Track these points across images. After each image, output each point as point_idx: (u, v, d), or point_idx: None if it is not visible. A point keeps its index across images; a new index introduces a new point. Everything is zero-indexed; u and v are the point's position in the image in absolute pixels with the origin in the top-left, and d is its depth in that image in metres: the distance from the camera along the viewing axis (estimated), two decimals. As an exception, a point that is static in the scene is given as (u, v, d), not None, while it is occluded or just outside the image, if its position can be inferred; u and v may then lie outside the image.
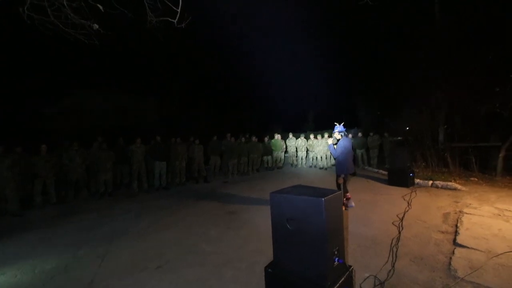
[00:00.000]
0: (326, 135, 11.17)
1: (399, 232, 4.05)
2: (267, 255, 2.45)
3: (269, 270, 2.21)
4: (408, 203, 5.62)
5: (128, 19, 2.18)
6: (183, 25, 1.41)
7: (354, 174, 8.89)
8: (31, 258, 3.83)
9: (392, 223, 4.48)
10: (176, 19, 1.31)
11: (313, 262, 1.95)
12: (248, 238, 4.20)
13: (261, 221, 4.88)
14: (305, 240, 1.97)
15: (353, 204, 5.46)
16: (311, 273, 1.96)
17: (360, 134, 11.50)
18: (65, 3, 1.79)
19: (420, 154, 8.96)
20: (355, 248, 3.59)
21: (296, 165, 12.05)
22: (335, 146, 5.36)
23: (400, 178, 7.28)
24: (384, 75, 11.84)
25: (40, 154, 6.67)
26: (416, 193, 6.41)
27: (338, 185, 5.40)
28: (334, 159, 5.62)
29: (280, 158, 11.55)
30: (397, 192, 6.61)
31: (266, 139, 11.26)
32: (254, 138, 10.67)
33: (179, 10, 1.26)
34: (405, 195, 6.27)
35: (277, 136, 11.45)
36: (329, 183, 7.09)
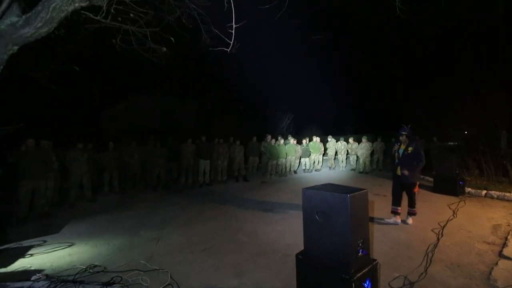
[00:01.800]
0: (364, 138, 10.94)
1: (438, 239, 3.96)
2: (299, 249, 2.71)
3: (300, 257, 2.51)
4: (453, 212, 5.34)
5: (186, 43, 2.69)
6: (233, 50, 1.79)
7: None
8: (105, 234, 4.68)
9: (432, 230, 4.36)
10: (229, 49, 1.69)
11: (339, 251, 2.19)
12: (282, 233, 4.51)
13: (295, 219, 5.14)
14: (332, 232, 2.23)
15: (411, 221, 4.75)
16: (336, 261, 2.20)
17: (405, 138, 10.92)
18: (148, 35, 2.36)
19: (473, 161, 8.22)
20: (387, 250, 3.65)
21: (334, 168, 11.93)
22: (409, 150, 4.67)
23: (447, 186, 6.85)
24: (436, 75, 11.07)
25: (108, 150, 7.86)
26: (465, 203, 6.01)
27: (414, 198, 4.71)
28: (411, 166, 4.62)
29: (318, 161, 11.56)
30: (442, 200, 6.26)
31: (304, 141, 11.38)
32: (292, 140, 10.89)
33: (231, 42, 1.65)
34: (452, 204, 5.92)
35: (316, 139, 11.49)
36: (366, 187, 7.00)
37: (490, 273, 2.98)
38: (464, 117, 9.22)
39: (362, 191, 2.27)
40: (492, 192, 6.51)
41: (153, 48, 2.60)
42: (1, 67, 1.30)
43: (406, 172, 4.61)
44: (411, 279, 2.91)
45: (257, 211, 5.90)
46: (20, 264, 3.52)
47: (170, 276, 3.09)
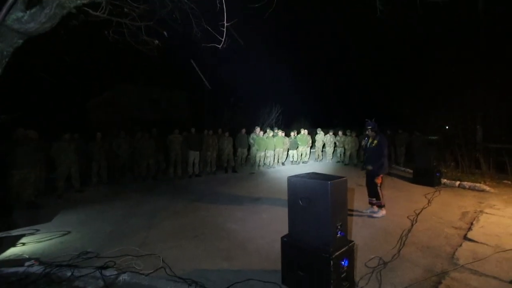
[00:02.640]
0: (348, 132, 11.36)
1: (412, 225, 4.30)
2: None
3: (285, 239, 2.72)
4: (428, 200, 5.73)
5: (177, 36, 2.77)
6: (224, 46, 1.91)
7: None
8: (95, 224, 4.75)
9: (407, 217, 4.71)
10: (221, 45, 1.80)
11: (320, 233, 2.42)
12: (270, 221, 4.74)
13: (281, 208, 5.36)
14: (314, 215, 2.44)
15: (383, 214, 4.83)
16: (318, 242, 2.43)
17: (389, 132, 11.35)
18: (142, 28, 2.43)
19: (450, 154, 8.73)
20: (366, 235, 3.95)
21: (321, 160, 12.29)
22: (374, 143, 4.79)
23: (425, 177, 7.28)
24: (417, 74, 11.53)
25: (95, 141, 7.79)
26: (440, 193, 6.44)
27: (377, 190, 4.80)
28: (373, 159, 4.81)
29: (306, 153, 11.86)
30: (420, 191, 6.68)
31: (292, 134, 11.62)
32: (280, 133, 11.10)
33: (223, 39, 1.76)
34: (428, 193, 6.34)
35: (304, 132, 11.75)
36: (351, 178, 7.34)
37: (454, 253, 3.32)
38: (444, 113, 9.70)
39: (342, 179, 2.49)
40: (465, 183, 6.99)
41: (145, 40, 2.68)
42: (7, 59, 1.38)
43: (370, 167, 4.85)
44: (385, 260, 3.21)
45: (245, 200, 6.10)
46: (12, 252, 3.58)
47: (162, 260, 3.24)
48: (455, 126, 9.12)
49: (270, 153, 10.52)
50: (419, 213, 4.88)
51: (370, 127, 4.88)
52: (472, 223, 4.27)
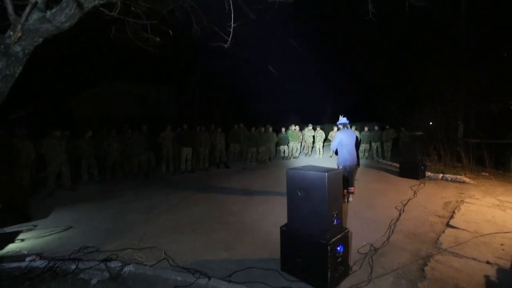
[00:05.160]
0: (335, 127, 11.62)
1: (400, 215, 4.57)
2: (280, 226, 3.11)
3: (284, 228, 2.88)
4: (414, 192, 6.05)
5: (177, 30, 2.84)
6: (228, 45, 2.00)
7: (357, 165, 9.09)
8: (92, 220, 4.76)
9: (395, 207, 4.99)
10: (227, 45, 1.90)
11: (317, 221, 2.58)
12: (265, 214, 4.90)
13: (275, 201, 5.54)
14: (312, 205, 2.60)
15: (351, 199, 5.34)
16: (316, 229, 2.60)
17: (376, 128, 11.76)
18: (148, 26, 2.49)
19: (433, 149, 9.18)
20: (357, 225, 4.17)
21: (310, 155, 12.59)
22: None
23: (410, 171, 7.64)
24: (402, 73, 11.97)
25: (84, 139, 7.67)
26: (424, 185, 6.79)
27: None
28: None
29: (297, 148, 12.10)
30: (406, 183, 7.02)
31: (283, 129, 11.81)
32: (270, 129, 11.28)
33: (229, 39, 1.86)
34: (413, 186, 6.68)
35: (295, 127, 11.97)
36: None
37: (438, 239, 3.59)
38: (428, 111, 10.14)
39: (337, 171, 2.66)
40: (447, 175, 7.39)
41: (146, 37, 2.73)
42: (27, 56, 1.43)
43: None
44: (376, 246, 3.43)
45: (240, 195, 6.23)
46: (10, 248, 3.57)
47: (164, 252, 3.34)
48: (438, 123, 9.56)
49: (262, 148, 10.67)
50: (405, 204, 5.17)
51: (339, 123, 5.42)
52: (454, 212, 4.58)
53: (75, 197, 6.43)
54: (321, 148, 12.56)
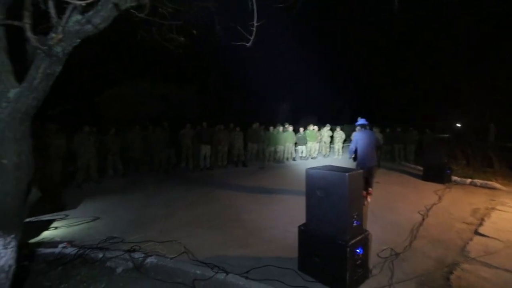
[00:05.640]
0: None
1: (423, 219, 4.39)
2: (298, 225, 3.09)
3: (302, 228, 2.87)
4: (439, 197, 5.79)
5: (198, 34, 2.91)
6: (251, 45, 2.03)
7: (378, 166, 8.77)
8: (117, 212, 5.00)
9: (418, 212, 4.80)
10: (249, 43, 1.93)
11: (336, 222, 2.56)
12: (281, 213, 4.90)
13: (292, 201, 5.52)
14: (331, 205, 2.58)
15: (369, 200, 5.20)
16: (335, 230, 2.57)
17: (399, 129, 11.33)
18: (173, 27, 2.59)
19: (461, 152, 8.70)
20: (377, 228, 4.06)
21: (328, 155, 12.41)
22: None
23: (435, 174, 7.30)
24: (428, 73, 11.45)
25: (109, 134, 8.06)
26: (450, 189, 6.47)
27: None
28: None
29: (315, 149, 11.95)
30: (430, 187, 6.72)
31: (301, 129, 11.70)
32: (290, 128, 11.21)
33: (252, 38, 1.88)
34: (438, 190, 6.38)
35: (314, 127, 11.82)
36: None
37: (465, 246, 3.42)
38: (456, 112, 9.64)
39: (358, 171, 2.62)
40: (476, 180, 6.99)
41: (171, 38, 2.83)
42: (66, 56, 1.55)
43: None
44: (397, 251, 3.33)
45: (257, 193, 6.27)
46: (45, 235, 3.84)
47: (184, 246, 3.44)
48: (468, 125, 9.05)
49: (280, 148, 10.64)
50: (429, 209, 4.95)
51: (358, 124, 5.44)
52: (483, 219, 4.33)
53: (101, 189, 6.77)
54: (340, 149, 12.31)
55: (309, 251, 2.80)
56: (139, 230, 4.07)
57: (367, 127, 5.41)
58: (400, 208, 5.03)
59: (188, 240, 3.71)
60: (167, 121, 9.54)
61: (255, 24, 1.88)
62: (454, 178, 7.35)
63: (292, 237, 3.60)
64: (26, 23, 1.27)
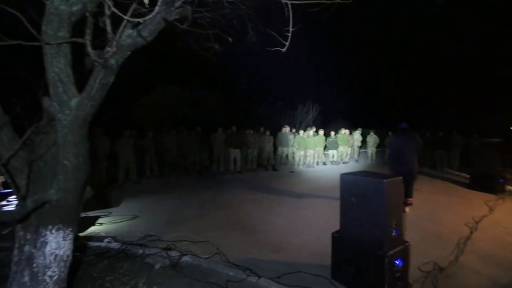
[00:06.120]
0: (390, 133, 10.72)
1: (471, 232, 4.01)
2: (330, 232, 2.98)
3: (336, 235, 2.79)
4: (490, 208, 5.24)
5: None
6: (284, 49, 2.05)
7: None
8: (154, 211, 5.30)
9: (465, 224, 4.39)
10: (284, 49, 1.95)
11: (374, 230, 2.44)
12: (313, 218, 4.80)
13: (323, 205, 5.39)
14: (368, 213, 2.47)
15: (407, 210, 4.86)
16: (372, 239, 2.46)
17: (440, 134, 10.50)
18: (211, 36, 2.74)
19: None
20: (417, 239, 3.77)
21: (357, 161, 11.93)
22: None
23: (485, 183, 6.63)
24: (474, 71, 10.48)
25: (147, 137, 8.58)
26: (504, 201, 5.82)
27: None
28: None
29: (346, 153, 11.56)
30: (479, 198, 6.11)
31: (332, 133, 11.40)
32: (321, 132, 10.99)
33: (287, 43, 1.91)
34: (489, 201, 5.77)
35: (345, 131, 11.45)
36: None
37: (524, 265, 3.05)
38: (505, 112, 8.68)
39: (398, 178, 2.48)
40: (536, 192, 6.21)
41: (207, 46, 2.98)
42: (119, 68, 1.72)
43: None
44: (441, 265, 3.07)
45: (287, 197, 6.22)
46: (91, 230, 4.20)
47: (217, 247, 3.53)
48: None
49: (310, 152, 10.47)
50: (479, 221, 4.50)
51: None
52: (546, 235, 3.83)
53: (140, 189, 7.22)
54: (373, 154, 11.77)
55: (343, 259, 2.71)
56: (174, 230, 4.25)
57: (406, 132, 5.14)
58: (444, 219, 4.65)
59: (220, 241, 3.80)
60: (197, 125, 9.92)
61: (291, 29, 1.89)
62: (509, 188, 6.60)
63: (324, 243, 3.50)
64: (88, 39, 1.43)
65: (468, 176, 7.88)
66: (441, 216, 4.83)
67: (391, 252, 2.38)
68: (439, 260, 3.19)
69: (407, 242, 2.56)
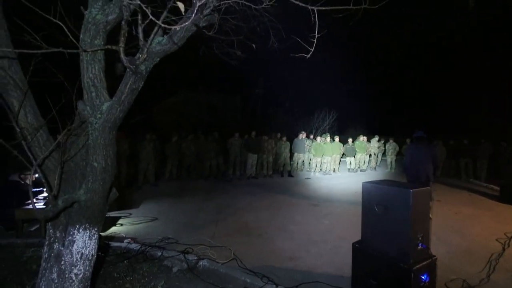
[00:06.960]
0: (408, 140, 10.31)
1: (504, 249, 3.75)
2: (349, 242, 2.88)
3: (357, 245, 2.70)
4: (524, 223, 4.89)
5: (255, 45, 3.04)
6: (309, 55, 2.05)
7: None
8: (171, 214, 5.38)
9: (496, 239, 4.12)
10: (309, 55, 1.95)
11: (398, 242, 2.34)
12: (331, 226, 4.68)
13: (341, 214, 5.25)
14: (392, 224, 2.38)
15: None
16: (396, 251, 2.36)
17: (465, 141, 9.99)
18: (235, 42, 2.80)
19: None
20: (443, 253, 3.59)
21: (375, 168, 11.58)
22: None
23: (517, 196, 6.21)
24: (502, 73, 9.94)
25: (170, 142, 8.79)
26: (539, 215, 5.43)
27: None
28: None
29: (364, 161, 11.26)
30: (509, 211, 5.74)
31: (350, 140, 11.16)
32: (337, 139, 10.79)
33: (312, 50, 1.91)
34: (522, 215, 5.41)
35: (363, 138, 11.19)
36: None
37: None
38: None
39: (425, 188, 2.37)
40: None
41: (228, 52, 3.04)
42: (148, 74, 1.78)
43: None
44: (471, 283, 2.89)
45: (303, 204, 6.12)
46: (112, 230, 4.32)
47: (234, 253, 3.52)
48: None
49: (327, 159, 10.29)
50: (511, 237, 4.21)
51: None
52: None
53: (158, 192, 7.38)
54: (393, 162, 11.39)
55: (365, 271, 2.61)
56: (192, 233, 4.29)
57: (422, 140, 5.02)
58: (472, 233, 4.38)
59: (237, 246, 3.78)
60: (214, 129, 10.04)
61: (316, 35, 1.89)
62: (543, 202, 6.15)
63: (344, 252, 3.42)
64: (121, 47, 1.50)
65: (497, 187, 7.44)
66: (468, 229, 4.56)
67: (417, 266, 2.26)
68: (468, 277, 3.00)
69: (434, 256, 2.43)
